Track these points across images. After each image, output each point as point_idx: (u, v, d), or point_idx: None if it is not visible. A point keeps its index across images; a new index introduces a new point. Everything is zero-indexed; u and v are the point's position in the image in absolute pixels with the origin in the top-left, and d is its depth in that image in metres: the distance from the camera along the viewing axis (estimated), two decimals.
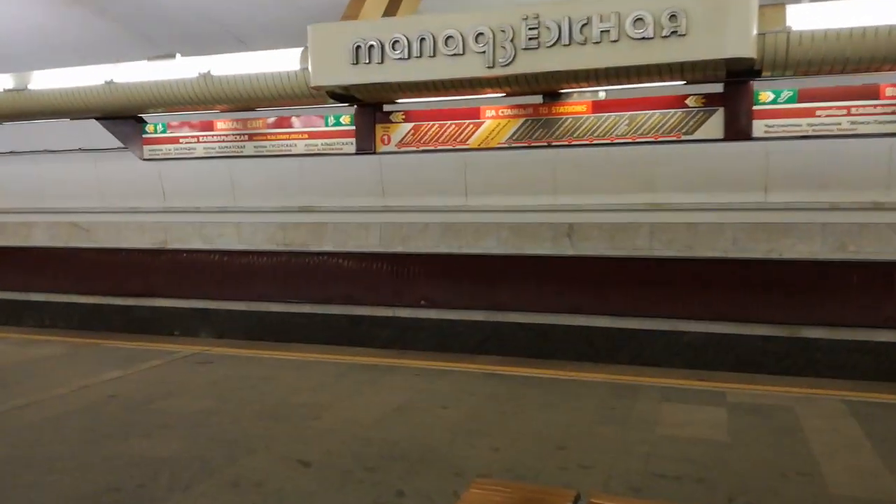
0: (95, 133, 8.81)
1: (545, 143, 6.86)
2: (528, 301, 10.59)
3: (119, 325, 12.19)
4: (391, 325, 11.31)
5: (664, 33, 5.46)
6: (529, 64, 5.90)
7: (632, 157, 9.11)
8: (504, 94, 6.70)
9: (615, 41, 5.60)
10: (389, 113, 7.44)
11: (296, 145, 7.83)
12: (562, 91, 6.74)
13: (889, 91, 5.79)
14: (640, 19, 5.52)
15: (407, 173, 10.38)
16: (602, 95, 6.72)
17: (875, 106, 5.83)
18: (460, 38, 6.04)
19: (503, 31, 5.91)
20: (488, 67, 6.00)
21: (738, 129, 6.25)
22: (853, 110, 5.90)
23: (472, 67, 6.07)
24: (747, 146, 7.68)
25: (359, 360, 8.93)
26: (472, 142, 7.13)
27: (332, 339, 11.13)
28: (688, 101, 6.43)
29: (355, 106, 7.41)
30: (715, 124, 6.33)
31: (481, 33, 5.99)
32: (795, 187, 9.40)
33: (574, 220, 10.36)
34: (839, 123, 5.96)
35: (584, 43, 5.71)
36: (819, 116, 6.01)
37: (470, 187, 10.55)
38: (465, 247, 10.91)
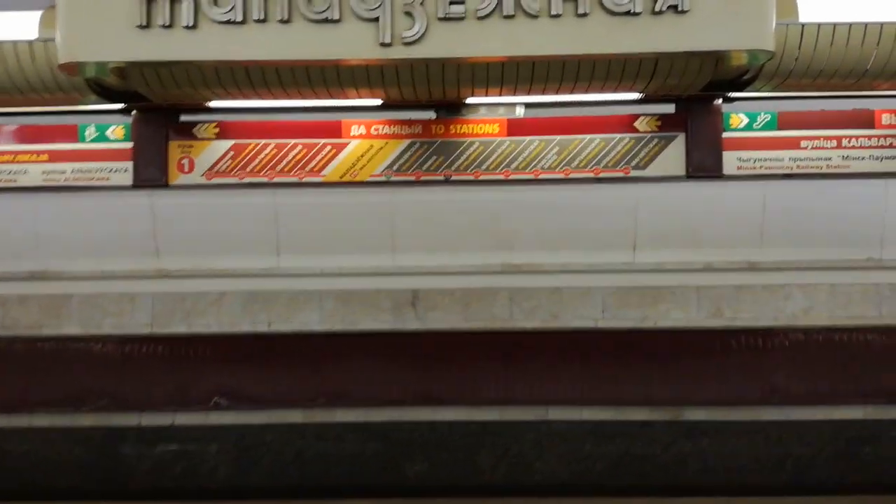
0: None
1: (441, 177, 4.65)
2: (361, 392, 8.10)
3: None
4: (170, 437, 8.03)
5: (658, 7, 3.61)
6: (449, 43, 3.70)
7: (480, 205, 7.28)
8: (382, 102, 4.41)
9: (584, 14, 3.64)
10: (193, 124, 4.74)
11: (26, 172, 4.76)
12: (465, 103, 4.63)
13: (886, 118, 4.51)
14: None
15: (194, 222, 7.44)
16: (520, 112, 4.72)
17: (870, 137, 4.52)
18: None
19: None
20: (382, 45, 3.68)
21: (703, 164, 4.61)
22: (845, 141, 4.52)
23: (353, 44, 3.73)
24: (612, 192, 6.06)
25: None
26: (329, 172, 4.70)
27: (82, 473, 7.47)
28: (637, 125, 4.68)
29: (134, 111, 4.60)
30: (673, 156, 4.65)
31: None
32: (666, 245, 8.17)
33: (419, 285, 8.22)
34: (829, 158, 4.57)
35: (537, 15, 3.67)
36: (804, 149, 4.56)
37: (283, 243, 7.87)
38: (277, 323, 8.13)
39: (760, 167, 4.64)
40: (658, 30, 3.66)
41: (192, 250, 7.77)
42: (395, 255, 7.61)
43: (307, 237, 7.07)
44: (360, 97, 4.43)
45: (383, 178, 4.74)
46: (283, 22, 3.73)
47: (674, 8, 3.63)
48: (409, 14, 3.70)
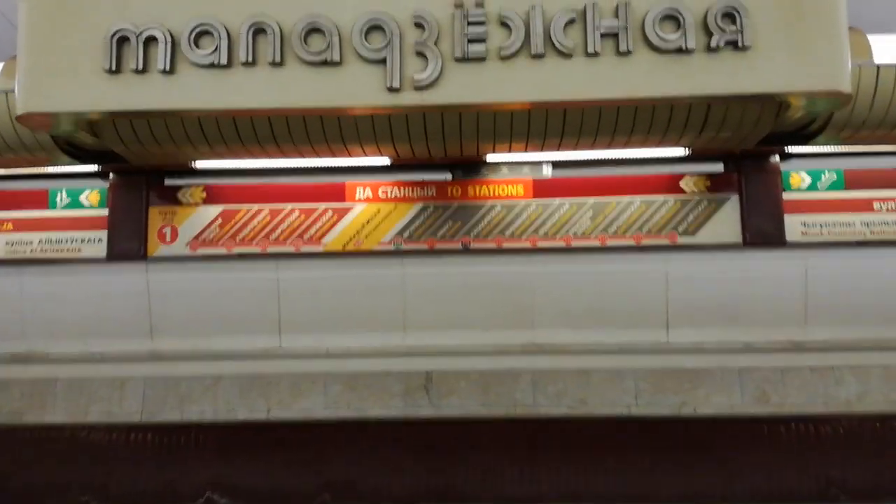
0: None
1: (459, 245, 4.03)
2: (369, 486, 7.26)
3: None
4: None
5: (714, 43, 3.05)
6: (467, 87, 3.15)
7: (503, 276, 6.67)
8: (391, 163, 3.85)
9: (626, 53, 3.08)
10: (177, 188, 4.19)
11: None
12: (485, 161, 4.06)
13: None
14: (672, 17, 3.08)
15: (184, 298, 6.86)
16: (548, 172, 4.14)
17: None
18: (335, 33, 3.18)
19: (420, 23, 3.16)
20: (390, 90, 3.14)
21: (763, 229, 3.97)
22: None
23: (356, 89, 3.19)
24: (642, 262, 5.42)
25: None
26: (331, 241, 4.09)
27: None
28: (683, 184, 4.07)
29: (112, 174, 4.08)
30: (727, 220, 4.02)
31: (377, 26, 3.17)
32: (702, 322, 7.45)
33: (434, 366, 7.51)
34: None
35: (571, 54, 3.12)
36: (878, 212, 3.91)
37: (284, 320, 7.23)
38: (277, 409, 7.39)
39: (828, 233, 3.98)
40: (713, 69, 3.08)
41: (184, 330, 7.05)
42: (406, 333, 6.85)
43: (309, 314, 6.38)
44: (366, 155, 3.86)
45: (392, 247, 4.13)
46: (274, 65, 3.21)
47: (733, 44, 3.07)
48: (421, 54, 3.16)
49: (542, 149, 3.83)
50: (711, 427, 7.52)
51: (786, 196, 4.02)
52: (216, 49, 3.20)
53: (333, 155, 3.85)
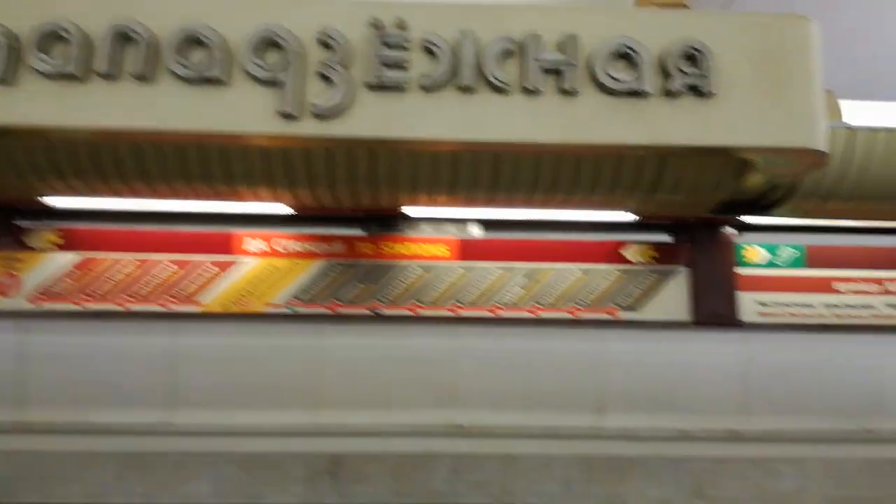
0: None
1: (368, 311, 3.38)
2: None
3: None
4: None
5: (673, 87, 2.59)
6: (381, 120, 2.58)
7: (420, 349, 6.03)
8: (292, 213, 3.22)
9: (570, 92, 2.59)
10: (25, 231, 3.42)
11: None
12: (403, 215, 3.47)
13: None
14: (625, 55, 2.62)
15: (62, 361, 5.89)
16: (476, 232, 3.58)
17: None
18: (219, 46, 2.58)
19: (327, 42, 2.59)
20: (284, 116, 2.53)
21: (715, 308, 3.49)
22: (889, 285, 3.50)
23: (242, 113, 2.57)
24: (578, 338, 4.92)
25: None
26: (211, 300, 3.38)
27: None
28: (628, 254, 3.57)
29: None
30: (674, 296, 3.53)
31: (273, 42, 2.59)
32: (640, 406, 6.95)
33: (342, 448, 6.66)
34: (871, 306, 3.48)
35: (507, 89, 2.60)
36: (840, 292, 3.50)
37: (183, 393, 6.31)
38: (159, 495, 6.37)
39: (787, 314, 3.53)
40: (671, 117, 2.62)
41: (54, 398, 5.98)
42: (311, 410, 5.96)
43: (197, 386, 5.48)
44: (258, 199, 3.20)
45: (286, 310, 3.44)
46: (141, 79, 2.57)
47: (694, 90, 2.62)
48: (325, 77, 2.58)
49: (469, 203, 3.27)
50: None
51: (741, 272, 3.56)
52: (68, 56, 2.54)
53: (219, 197, 3.18)
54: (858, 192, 3.13)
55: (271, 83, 2.58)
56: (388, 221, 3.54)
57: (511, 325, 3.68)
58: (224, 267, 3.45)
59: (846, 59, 3.39)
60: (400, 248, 3.53)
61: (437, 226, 3.58)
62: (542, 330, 3.86)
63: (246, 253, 3.47)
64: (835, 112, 3.01)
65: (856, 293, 3.57)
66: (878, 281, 3.59)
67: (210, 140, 2.70)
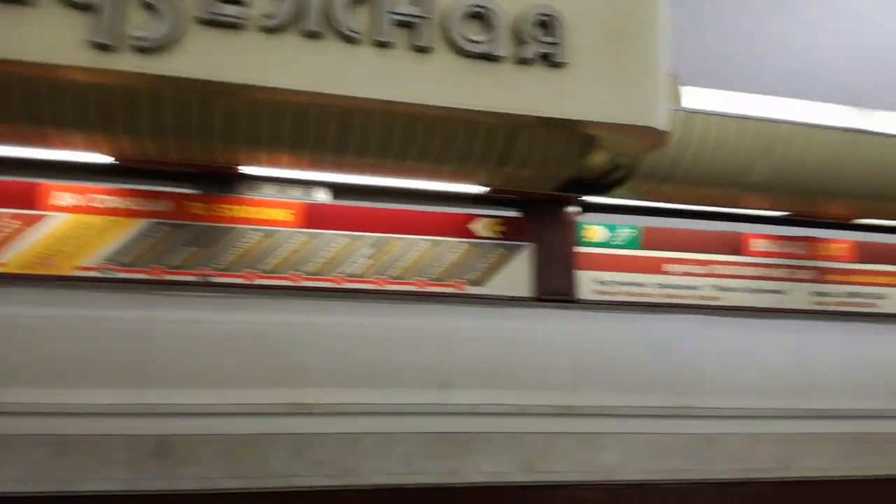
0: None
1: (198, 277, 3.11)
2: None
3: None
4: None
5: (527, 54, 2.56)
6: (213, 59, 2.33)
7: (258, 323, 5.76)
8: (113, 162, 2.87)
9: (424, 49, 2.49)
10: None
11: None
12: (242, 174, 3.21)
13: (756, 244, 3.83)
14: (480, 16, 2.55)
15: None
16: (323, 197, 3.39)
17: (740, 265, 3.77)
18: None
19: None
20: (97, 47, 2.21)
21: (556, 285, 3.54)
22: (717, 268, 3.74)
23: (48, 40, 2.21)
24: (424, 313, 4.98)
25: None
26: (10, 260, 2.94)
27: None
28: (476, 228, 3.54)
29: None
30: (519, 272, 3.54)
31: None
32: (483, 382, 7.11)
33: (171, 430, 6.20)
34: (698, 288, 3.71)
35: (357, 39, 2.45)
36: (671, 274, 3.69)
37: None
38: None
39: (622, 293, 3.66)
40: (523, 85, 2.58)
41: None
42: (134, 389, 5.46)
43: (11, 359, 4.84)
44: (71, 146, 2.81)
45: (99, 274, 3.06)
46: None
47: (547, 58, 2.59)
48: (149, 7, 2.28)
49: (315, 166, 3.07)
50: (479, 497, 6.95)
51: (581, 250, 3.64)
52: None
53: (24, 143, 2.76)
54: (692, 176, 3.28)
55: (84, 7, 2.24)
56: (224, 180, 3.25)
57: (356, 297, 3.52)
58: (28, 222, 3.00)
59: (688, 47, 3.55)
60: (237, 211, 3.26)
61: (281, 188, 3.35)
62: (388, 304, 3.74)
63: (54, 208, 3.04)
64: (675, 96, 3.12)
65: (684, 275, 3.76)
66: (705, 263, 3.81)
67: (10, 70, 2.30)
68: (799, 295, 3.96)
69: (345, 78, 2.43)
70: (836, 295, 4.00)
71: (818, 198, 3.67)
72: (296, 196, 3.35)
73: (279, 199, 3.31)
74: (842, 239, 4.10)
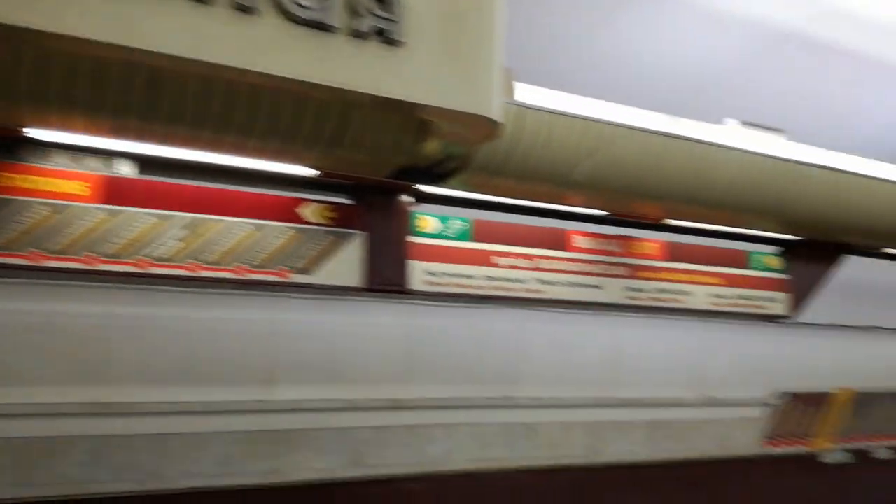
0: None
1: None
2: None
3: None
4: None
5: (362, 27, 2.42)
6: None
7: (46, 310, 5.19)
8: None
9: (248, 9, 2.27)
10: None
11: None
12: (27, 137, 2.77)
13: (578, 241, 3.99)
14: None
15: None
16: (126, 170, 3.02)
17: (563, 259, 3.92)
18: None
19: None
20: None
21: (387, 275, 3.46)
22: (542, 263, 3.85)
23: None
24: (245, 302, 4.77)
25: None
26: None
27: None
28: (304, 212, 3.35)
29: None
30: (349, 261, 3.40)
31: None
32: (309, 377, 6.94)
33: None
34: (523, 281, 3.80)
35: None
36: (499, 266, 3.74)
37: None
38: None
39: (452, 284, 3.64)
40: (356, 60, 2.43)
41: None
42: None
43: None
44: None
45: None
46: None
47: (383, 34, 2.45)
48: None
49: (117, 133, 2.71)
50: (304, 496, 6.75)
51: (413, 240, 3.56)
52: None
53: None
54: (522, 171, 3.31)
55: None
56: (4, 144, 2.77)
57: (164, 283, 3.17)
58: None
59: (521, 46, 3.58)
60: (19, 181, 2.79)
61: (75, 156, 2.92)
62: (201, 293, 3.42)
63: None
64: (509, 90, 3.12)
65: (511, 268, 3.81)
66: (531, 258, 3.88)
67: None
68: (614, 290, 4.17)
69: (153, 31, 2.13)
70: (648, 291, 4.28)
71: (634, 198, 3.87)
72: (93, 167, 2.94)
73: (72, 169, 2.89)
74: (654, 238, 4.39)
